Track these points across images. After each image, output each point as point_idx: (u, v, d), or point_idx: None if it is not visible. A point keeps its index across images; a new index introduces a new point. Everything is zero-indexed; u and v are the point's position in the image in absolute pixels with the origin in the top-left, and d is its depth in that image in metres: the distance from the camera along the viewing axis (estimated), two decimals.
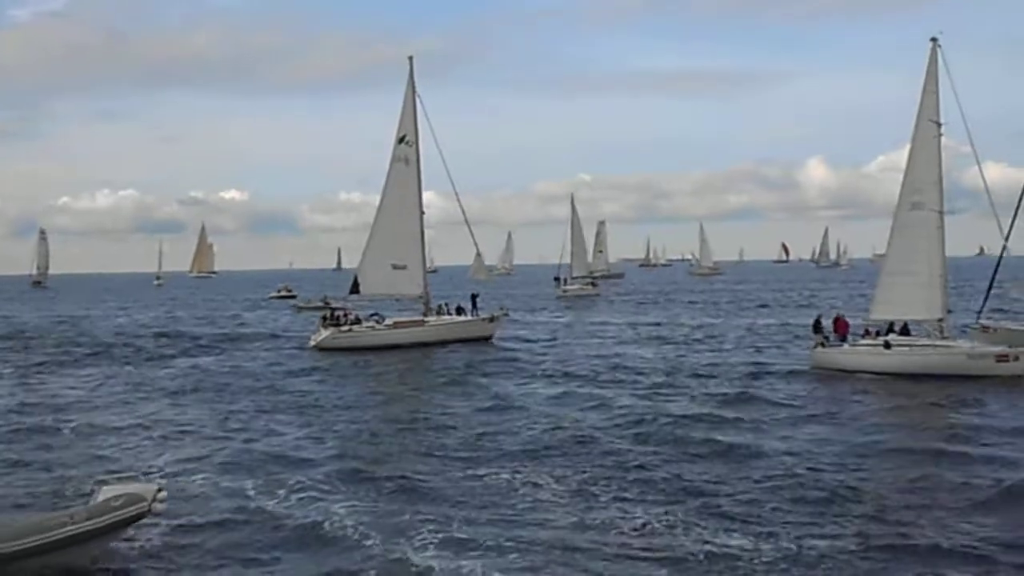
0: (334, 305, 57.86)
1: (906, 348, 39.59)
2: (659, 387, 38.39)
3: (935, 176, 39.92)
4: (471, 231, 66.91)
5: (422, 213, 60.24)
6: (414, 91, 59.88)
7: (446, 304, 61.87)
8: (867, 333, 41.72)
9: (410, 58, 60.89)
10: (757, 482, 22.49)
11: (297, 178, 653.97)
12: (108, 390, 40.86)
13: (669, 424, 29.86)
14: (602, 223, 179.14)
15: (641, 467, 24.22)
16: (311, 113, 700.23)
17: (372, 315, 58.59)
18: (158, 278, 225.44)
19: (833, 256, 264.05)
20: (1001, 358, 37.88)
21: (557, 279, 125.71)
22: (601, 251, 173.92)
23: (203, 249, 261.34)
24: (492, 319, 60.30)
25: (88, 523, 15.85)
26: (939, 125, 39.74)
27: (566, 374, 43.53)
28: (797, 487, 21.86)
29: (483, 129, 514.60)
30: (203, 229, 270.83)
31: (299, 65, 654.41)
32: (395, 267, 59.22)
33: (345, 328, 56.34)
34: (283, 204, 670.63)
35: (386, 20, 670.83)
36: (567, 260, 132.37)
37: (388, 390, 41.02)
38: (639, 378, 41.21)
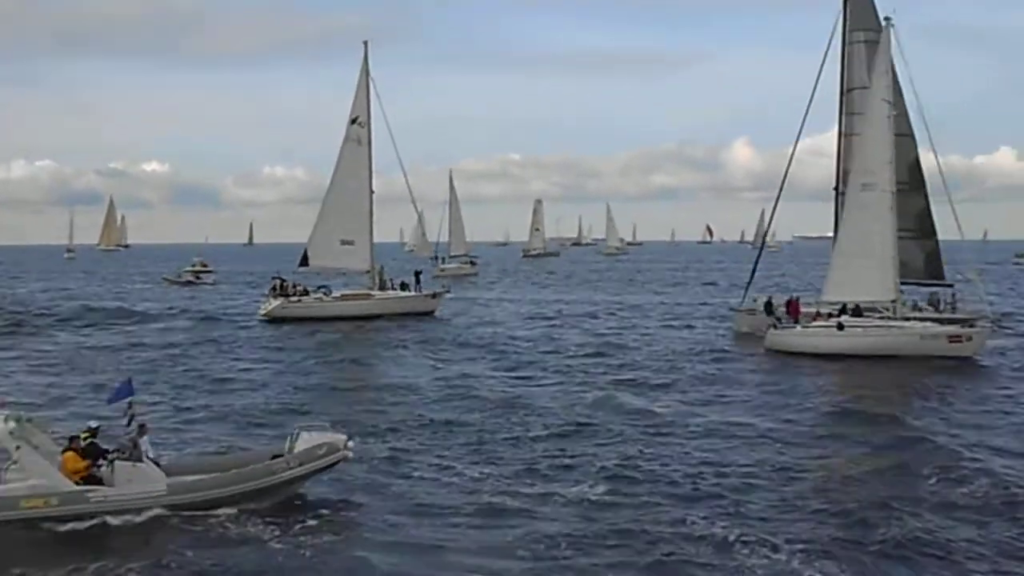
0: None
1: (859, 329, 35.73)
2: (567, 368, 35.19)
3: (887, 156, 36.06)
4: (417, 208, 63.31)
5: (372, 192, 56.97)
6: (368, 74, 56.59)
7: (391, 279, 58.59)
8: (819, 315, 37.77)
9: (365, 43, 57.43)
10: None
11: (220, 150, 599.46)
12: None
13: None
14: (539, 202, 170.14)
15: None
16: (234, 84, 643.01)
17: (320, 288, 55.49)
18: (69, 251, 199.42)
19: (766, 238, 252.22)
20: (954, 339, 34.69)
21: (435, 258, 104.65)
22: (538, 229, 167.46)
23: (111, 222, 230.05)
24: (434, 296, 57.90)
25: (302, 468, 17.18)
26: (891, 104, 35.74)
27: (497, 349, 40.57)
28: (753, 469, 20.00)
29: (408, 106, 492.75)
30: (111, 202, 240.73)
31: (220, 35, 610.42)
32: (344, 243, 56.10)
33: (294, 299, 53.57)
34: (206, 177, 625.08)
35: None
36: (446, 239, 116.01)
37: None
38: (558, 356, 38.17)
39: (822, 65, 42.20)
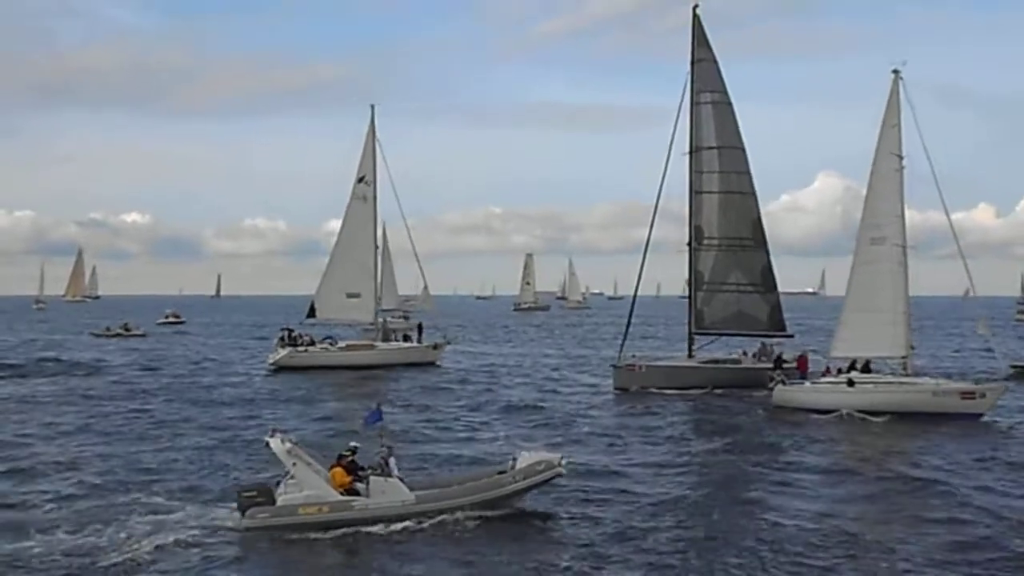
0: None
1: (870, 385, 31.67)
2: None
3: (897, 210, 32.00)
4: (420, 264, 59.74)
5: (376, 247, 54.56)
6: (374, 136, 53.78)
7: (394, 331, 56.24)
8: (828, 371, 33.53)
9: (372, 107, 54.58)
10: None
11: (202, 202, 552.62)
12: None
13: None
14: (529, 255, 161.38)
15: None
16: (218, 136, 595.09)
17: (326, 338, 52.56)
18: (39, 302, 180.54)
19: None
20: (966, 395, 30.60)
21: None
22: (528, 283, 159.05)
23: (79, 273, 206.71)
24: (436, 346, 54.53)
25: (526, 481, 17.94)
26: (901, 158, 31.96)
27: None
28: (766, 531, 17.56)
29: (388, 158, 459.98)
30: (79, 253, 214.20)
31: (202, 87, 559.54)
32: (349, 295, 53.28)
33: (301, 349, 50.64)
34: (186, 228, 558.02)
35: (289, 45, 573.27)
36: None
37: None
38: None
39: (675, 125, 40.61)
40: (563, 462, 18.33)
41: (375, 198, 53.79)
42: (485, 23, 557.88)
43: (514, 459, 18.58)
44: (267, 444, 18.08)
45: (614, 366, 40.36)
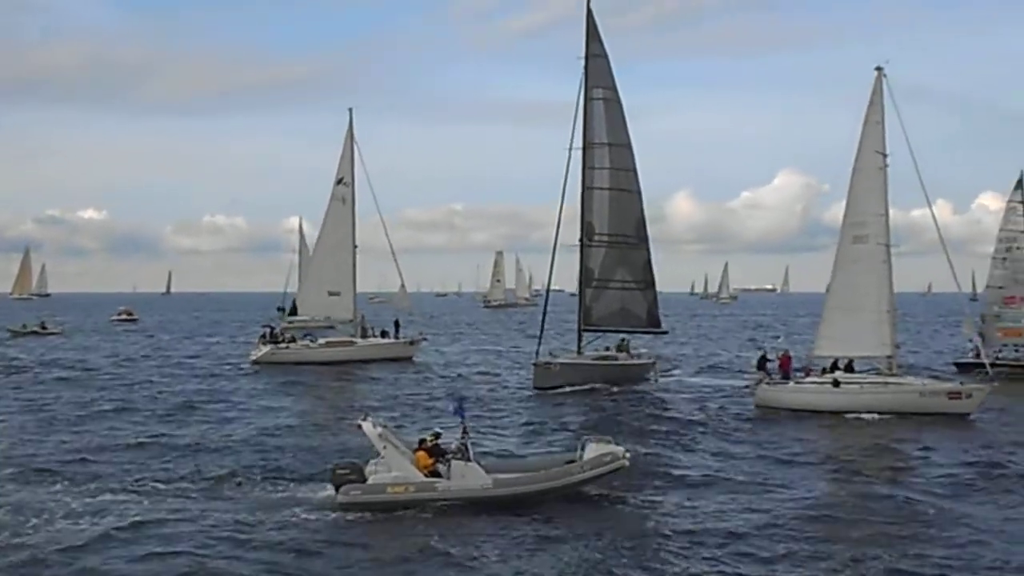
0: None
1: (856, 386, 29.55)
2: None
3: (881, 208, 29.96)
4: (397, 264, 56.89)
5: (355, 247, 52.26)
6: (353, 139, 51.84)
7: (372, 327, 53.48)
8: (809, 371, 31.37)
9: (350, 109, 52.65)
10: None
11: (161, 199, 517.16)
12: None
13: None
14: (499, 253, 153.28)
15: None
16: (176, 133, 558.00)
17: (306, 335, 51.16)
18: None
19: (714, 290, 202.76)
20: (953, 395, 28.61)
21: (281, 309, 73.53)
22: (499, 280, 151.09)
23: (26, 270, 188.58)
24: (412, 342, 52.93)
25: (593, 471, 17.98)
26: (885, 156, 29.91)
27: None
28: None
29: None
30: (27, 250, 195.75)
31: (162, 84, 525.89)
32: (330, 294, 51.70)
33: (283, 346, 49.29)
34: (144, 225, 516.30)
35: (254, 43, 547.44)
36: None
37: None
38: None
39: (574, 121, 38.85)
40: (627, 455, 18.22)
41: (353, 199, 51.96)
42: (448, 19, 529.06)
43: (581, 449, 18.49)
44: (359, 427, 18.30)
45: (534, 364, 37.97)
